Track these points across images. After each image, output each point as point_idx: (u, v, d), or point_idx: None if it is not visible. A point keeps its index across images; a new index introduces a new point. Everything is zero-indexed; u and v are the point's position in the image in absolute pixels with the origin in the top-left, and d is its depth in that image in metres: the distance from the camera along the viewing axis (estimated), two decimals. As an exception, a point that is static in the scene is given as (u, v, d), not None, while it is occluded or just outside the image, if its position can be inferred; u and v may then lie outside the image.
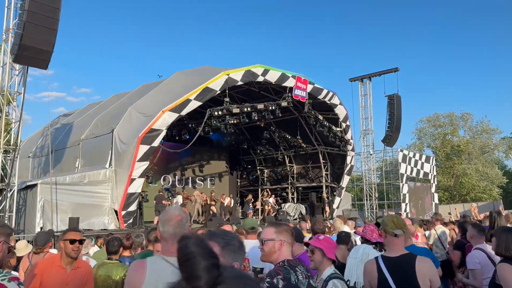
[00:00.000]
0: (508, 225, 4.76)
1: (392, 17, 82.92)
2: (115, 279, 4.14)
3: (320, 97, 18.06)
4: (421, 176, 27.35)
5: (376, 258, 2.88)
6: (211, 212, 17.28)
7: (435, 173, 29.65)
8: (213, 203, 17.55)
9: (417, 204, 26.34)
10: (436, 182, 29.85)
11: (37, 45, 10.19)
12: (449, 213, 18.54)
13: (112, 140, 14.03)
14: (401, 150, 26.15)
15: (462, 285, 5.09)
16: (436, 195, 29.43)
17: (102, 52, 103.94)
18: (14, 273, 3.02)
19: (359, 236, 6.57)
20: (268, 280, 2.28)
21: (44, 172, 16.25)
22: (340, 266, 3.69)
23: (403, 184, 25.06)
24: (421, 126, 43.96)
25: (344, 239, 4.76)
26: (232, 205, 18.63)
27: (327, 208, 20.28)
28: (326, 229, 6.87)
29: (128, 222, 13.22)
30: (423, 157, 28.48)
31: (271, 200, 20.54)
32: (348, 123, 20.09)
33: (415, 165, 26.71)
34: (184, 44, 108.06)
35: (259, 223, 15.89)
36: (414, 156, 27.26)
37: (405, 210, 23.97)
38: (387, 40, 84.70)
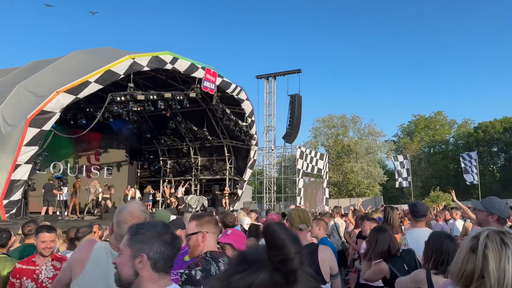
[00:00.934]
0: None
1: (299, 20, 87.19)
2: (3, 274, 3.71)
3: (228, 91, 18.20)
4: (315, 171, 29.31)
5: None
6: (106, 204, 16.27)
7: (327, 169, 32.09)
8: (107, 195, 16.46)
9: (311, 198, 28.22)
10: (327, 178, 32.33)
11: None
12: (340, 207, 20.19)
13: (-5, 120, 12.31)
14: (299, 147, 27.74)
15: (356, 270, 5.63)
16: (327, 190, 31.87)
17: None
18: None
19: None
20: (187, 272, 2.23)
21: None
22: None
23: (299, 179, 26.61)
24: (317, 125, 47.23)
25: (254, 233, 4.87)
26: (136, 196, 17.82)
27: (224, 200, 20.55)
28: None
29: (11, 213, 11.79)
30: (318, 154, 30.55)
31: (180, 190, 20.15)
32: (253, 118, 20.61)
33: (311, 161, 28.54)
34: (86, 22, 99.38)
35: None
36: (310, 153, 29.11)
37: (300, 203, 25.51)
38: (292, 42, 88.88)
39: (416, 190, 42.91)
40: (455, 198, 6.62)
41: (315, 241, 4.19)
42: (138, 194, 18.41)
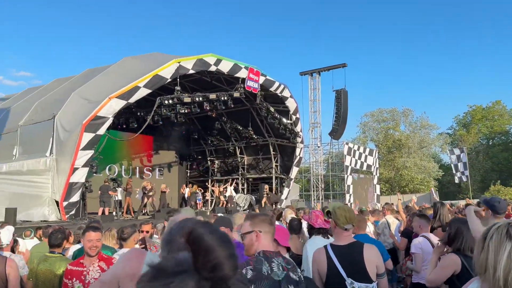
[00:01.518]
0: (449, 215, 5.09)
1: (343, 15, 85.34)
2: (58, 273, 3.92)
3: (272, 89, 18.19)
4: (364, 168, 28.54)
5: (325, 246, 2.95)
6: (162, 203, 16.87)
7: (377, 165, 31.10)
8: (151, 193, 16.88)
9: (360, 195, 27.51)
10: (378, 174, 31.33)
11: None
12: (392, 203, 19.51)
13: (54, 127, 13.14)
14: (347, 143, 27.11)
15: (407, 269, 5.39)
16: (378, 187, 30.91)
17: (44, 34, 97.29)
18: None
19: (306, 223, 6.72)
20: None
21: (-23, 161, 14.95)
22: (294, 257, 3.71)
23: (347, 176, 26.03)
24: (365, 120, 45.89)
25: (295, 227, 4.82)
26: (191, 195, 18.52)
27: (264, 200, 20.56)
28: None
29: (70, 214, 12.55)
30: (367, 150, 29.71)
31: (229, 189, 20.41)
32: (298, 115, 20.45)
33: (359, 157, 27.82)
34: (130, 30, 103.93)
35: (209, 213, 15.80)
36: (358, 149, 28.38)
37: (349, 201, 24.95)
38: (337, 37, 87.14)
39: (474, 184, 40.43)
40: None
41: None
42: (191, 192, 19.02)
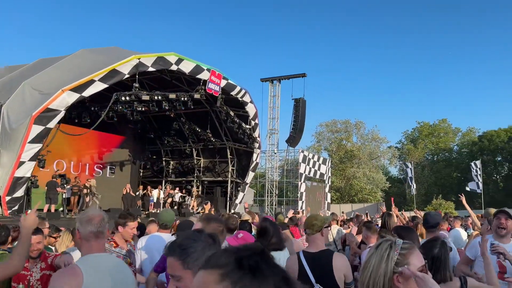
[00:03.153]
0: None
1: (306, 24, 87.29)
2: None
3: (233, 93, 18.22)
4: (317, 176, 29.23)
5: (298, 253, 3.04)
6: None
7: (329, 174, 31.99)
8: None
9: (312, 202, 28.12)
10: (330, 183, 32.22)
11: None
12: (342, 212, 20.17)
13: (0, 116, 12.37)
14: (302, 151, 27.67)
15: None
16: (329, 195, 31.76)
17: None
18: None
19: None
20: None
21: None
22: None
23: (301, 183, 26.54)
24: (320, 130, 47.15)
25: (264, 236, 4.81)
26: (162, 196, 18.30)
27: (192, 203, 20.61)
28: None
29: (13, 209, 11.83)
30: (321, 158, 30.47)
31: (177, 193, 20.14)
32: (257, 121, 20.61)
33: (313, 165, 28.46)
34: (91, 23, 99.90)
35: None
36: (313, 157, 29.04)
37: (301, 207, 25.42)
38: (297, 46, 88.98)
39: (418, 197, 42.70)
40: (465, 203, 6.46)
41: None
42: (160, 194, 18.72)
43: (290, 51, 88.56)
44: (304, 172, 26.93)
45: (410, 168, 33.13)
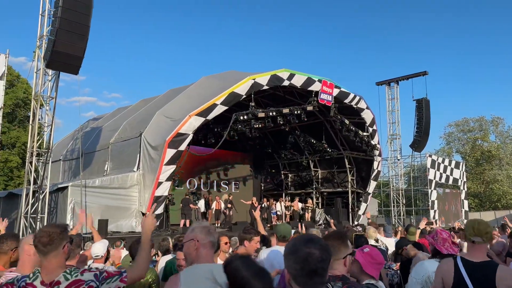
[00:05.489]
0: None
1: (421, 21, 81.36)
2: (145, 281, 4.14)
3: (347, 101, 17.82)
4: (450, 182, 26.62)
5: (455, 258, 2.83)
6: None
7: (465, 179, 28.78)
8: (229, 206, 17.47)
9: (447, 211, 25.59)
10: (466, 189, 28.95)
11: (68, 51, 10.42)
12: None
13: (140, 144, 14.24)
14: (430, 156, 25.56)
15: None
16: (466, 202, 28.57)
17: (131, 58, 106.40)
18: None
19: (392, 239, 6.34)
20: None
21: (75, 175, 16.64)
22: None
23: (431, 190, 24.43)
24: (450, 130, 42.91)
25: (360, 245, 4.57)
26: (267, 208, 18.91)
27: (307, 215, 20.05)
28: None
29: (155, 225, 13.33)
30: (453, 162, 27.72)
31: (300, 204, 20.26)
32: (375, 127, 19.73)
33: (444, 170, 26.03)
34: (208, 49, 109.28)
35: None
36: (443, 161, 26.58)
37: (434, 217, 23.35)
38: (416, 44, 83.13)
39: None
40: None
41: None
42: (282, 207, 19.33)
43: (406, 51, 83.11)
44: (434, 178, 24.76)
45: None
